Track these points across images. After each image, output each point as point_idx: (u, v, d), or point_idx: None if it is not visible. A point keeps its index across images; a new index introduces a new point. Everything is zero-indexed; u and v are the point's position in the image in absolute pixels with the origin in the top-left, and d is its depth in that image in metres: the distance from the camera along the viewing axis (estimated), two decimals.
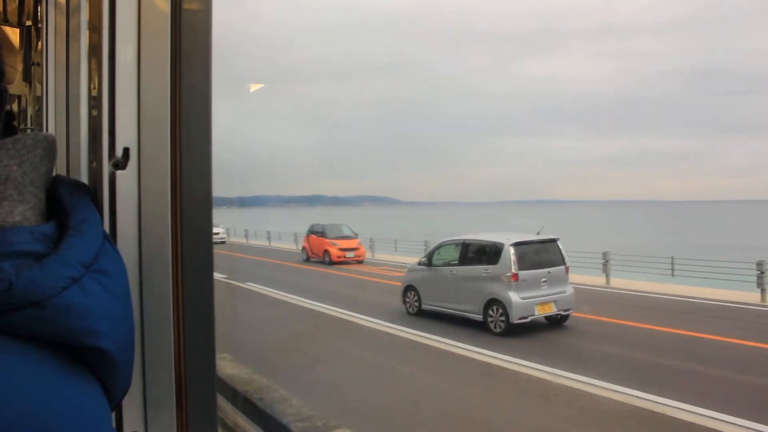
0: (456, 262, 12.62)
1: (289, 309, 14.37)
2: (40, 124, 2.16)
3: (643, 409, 7.15)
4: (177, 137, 0.89)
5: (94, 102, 0.94)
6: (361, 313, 12.87)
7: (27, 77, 3.05)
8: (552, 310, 11.26)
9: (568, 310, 11.48)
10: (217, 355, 1.02)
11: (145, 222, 0.89)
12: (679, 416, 6.89)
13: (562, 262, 11.71)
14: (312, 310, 14.06)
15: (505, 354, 9.51)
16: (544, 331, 11.30)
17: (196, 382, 0.94)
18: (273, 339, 11.50)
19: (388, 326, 11.89)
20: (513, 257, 11.18)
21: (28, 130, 3.02)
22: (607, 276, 17.48)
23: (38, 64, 2.53)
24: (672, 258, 17.96)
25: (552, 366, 8.81)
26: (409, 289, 13.18)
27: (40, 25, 2.22)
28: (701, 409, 6.97)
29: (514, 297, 10.91)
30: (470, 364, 9.34)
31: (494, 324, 11.11)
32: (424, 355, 10.07)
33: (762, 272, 14.00)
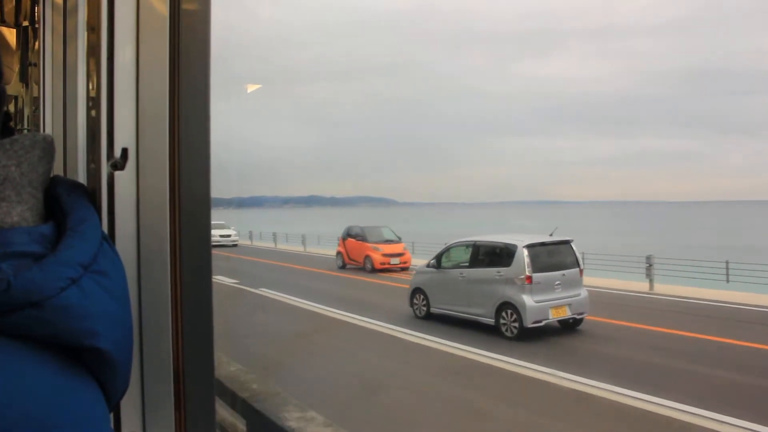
0: (466, 264, 12.23)
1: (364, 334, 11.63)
2: (38, 125, 2.15)
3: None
4: (175, 138, 0.89)
5: (93, 102, 0.94)
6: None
7: (24, 78, 3.04)
8: (566, 313, 10.85)
9: (582, 313, 11.10)
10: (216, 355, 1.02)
11: (143, 222, 0.89)
12: None
13: (576, 264, 11.35)
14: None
15: (529, 362, 8.97)
16: (559, 335, 10.90)
17: (195, 383, 0.94)
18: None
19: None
20: (526, 259, 10.80)
21: (25, 131, 3.01)
22: (651, 281, 16.00)
23: (35, 65, 2.52)
24: (727, 262, 16.68)
25: (588, 377, 8.19)
26: (417, 292, 12.79)
27: (37, 26, 2.21)
28: None
29: (528, 300, 10.52)
30: (506, 377, 8.59)
31: (507, 328, 10.71)
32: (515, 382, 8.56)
33: None
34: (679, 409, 6.98)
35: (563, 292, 10.90)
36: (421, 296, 12.67)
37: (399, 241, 22.40)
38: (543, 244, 11.45)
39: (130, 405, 0.90)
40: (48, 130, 1.44)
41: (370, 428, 6.73)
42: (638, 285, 16.05)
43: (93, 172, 0.92)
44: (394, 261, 21.11)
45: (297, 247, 32.69)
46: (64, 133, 1.10)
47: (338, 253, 23.01)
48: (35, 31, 2.52)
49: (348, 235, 22.74)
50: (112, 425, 0.85)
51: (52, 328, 0.52)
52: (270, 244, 35.58)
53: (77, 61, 1.01)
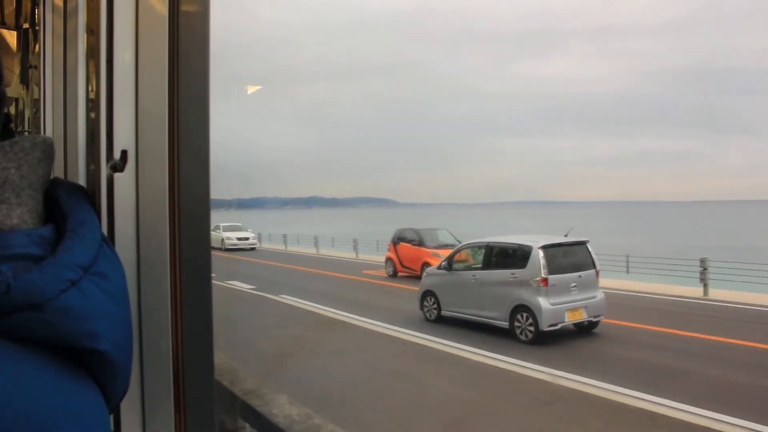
0: (479, 266, 11.84)
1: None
2: (38, 127, 2.16)
3: None
4: (175, 139, 0.89)
5: (92, 104, 0.95)
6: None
7: (24, 80, 3.05)
8: (582, 316, 10.52)
9: (598, 316, 10.77)
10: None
11: (143, 224, 0.89)
12: None
13: (593, 265, 10.99)
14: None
15: (555, 369, 8.54)
16: (577, 339, 10.54)
17: (195, 384, 0.94)
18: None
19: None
20: (542, 260, 10.44)
21: (26, 133, 3.01)
22: (706, 286, 14.86)
23: (35, 67, 2.52)
24: None
25: (619, 384, 7.72)
26: (427, 294, 12.43)
27: (37, 28, 2.22)
28: None
29: (544, 303, 10.19)
30: (531, 384, 8.07)
31: (522, 331, 10.38)
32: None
33: None
34: None
35: (579, 295, 10.58)
36: (432, 299, 12.34)
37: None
38: (558, 245, 11.09)
39: (130, 406, 0.90)
40: (48, 132, 1.44)
41: None
42: (687, 290, 15.01)
43: (93, 174, 0.92)
44: None
45: (308, 249, 31.17)
46: (65, 135, 1.10)
47: (388, 259, 20.29)
48: (35, 33, 2.52)
49: (400, 239, 20.18)
50: (112, 427, 0.85)
51: (52, 329, 0.52)
52: (279, 246, 33.88)
53: (77, 63, 1.01)
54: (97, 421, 0.55)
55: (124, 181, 0.89)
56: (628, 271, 18.58)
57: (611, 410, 7.07)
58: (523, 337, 10.36)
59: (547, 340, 10.20)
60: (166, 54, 0.89)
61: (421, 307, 12.58)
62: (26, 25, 2.74)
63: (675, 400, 7.12)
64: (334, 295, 15.81)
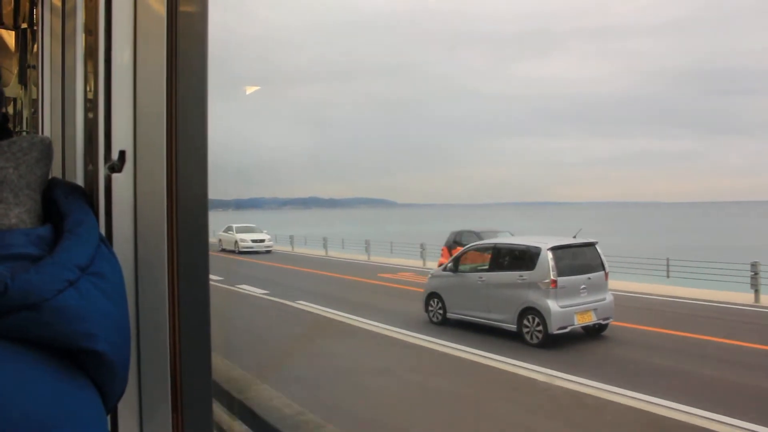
0: (486, 267, 11.64)
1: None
2: (36, 127, 2.15)
3: None
4: (173, 140, 0.89)
5: (90, 105, 0.95)
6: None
7: (22, 80, 3.04)
8: (591, 319, 10.37)
9: (607, 319, 10.62)
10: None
11: (140, 225, 0.89)
12: None
13: (602, 267, 10.84)
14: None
15: (569, 373, 8.31)
16: (588, 342, 10.38)
17: (192, 385, 0.94)
18: None
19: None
20: (551, 262, 10.28)
21: (24, 133, 3.01)
22: (757, 292, 13.90)
23: (34, 67, 2.52)
24: None
25: (637, 390, 7.44)
26: (432, 296, 12.25)
27: (35, 28, 2.22)
28: None
29: (553, 305, 10.02)
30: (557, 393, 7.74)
31: (530, 334, 10.20)
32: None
33: None
34: None
35: (588, 297, 10.41)
36: (437, 301, 12.13)
37: None
38: (568, 246, 10.91)
39: (127, 407, 0.89)
40: (47, 132, 1.44)
41: None
42: (736, 296, 14.02)
43: (90, 175, 0.92)
44: None
45: (316, 251, 29.59)
46: (63, 135, 1.10)
47: (442, 264, 18.00)
48: (34, 33, 2.52)
49: (456, 242, 17.61)
50: (109, 427, 0.85)
51: (49, 330, 0.52)
52: (285, 248, 31.98)
53: (75, 63, 1.01)
54: (94, 421, 0.55)
55: (122, 181, 0.89)
56: (668, 276, 17.40)
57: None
58: (531, 340, 10.20)
59: (557, 344, 10.01)
60: (165, 54, 0.89)
61: (426, 309, 12.39)
62: (24, 25, 2.74)
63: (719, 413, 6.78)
64: (353, 300, 14.90)
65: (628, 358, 9.58)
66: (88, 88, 0.96)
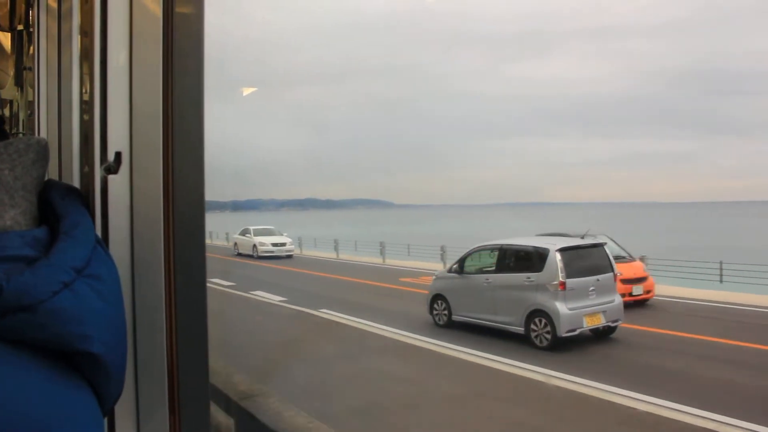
0: (492, 269, 11.46)
1: None
2: (32, 129, 2.15)
3: None
4: (169, 141, 0.89)
5: (86, 106, 0.94)
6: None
7: (19, 82, 3.04)
8: (600, 321, 10.21)
9: (616, 321, 10.48)
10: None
11: (137, 226, 0.89)
12: None
13: (610, 268, 10.69)
14: None
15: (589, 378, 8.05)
16: (598, 345, 10.18)
17: (190, 387, 0.94)
18: None
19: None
20: (560, 264, 10.11)
21: (20, 135, 3.00)
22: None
23: (30, 69, 2.52)
24: None
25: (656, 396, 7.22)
26: (437, 298, 12.07)
27: (31, 30, 2.21)
28: None
29: (562, 308, 9.86)
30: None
31: (538, 337, 10.06)
32: None
33: None
34: None
35: (597, 299, 10.26)
36: (442, 303, 11.95)
37: (631, 258, 14.00)
38: (576, 247, 10.81)
39: (124, 409, 0.89)
40: (43, 134, 1.44)
41: None
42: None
43: (86, 176, 0.92)
44: (637, 290, 12.97)
45: (326, 254, 27.67)
46: (59, 136, 1.10)
47: None
48: (30, 35, 2.51)
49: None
50: (106, 429, 0.85)
51: (44, 332, 0.52)
52: (294, 250, 29.33)
53: (72, 64, 1.01)
54: (90, 423, 0.55)
55: (118, 182, 0.88)
56: (721, 281, 16.37)
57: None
58: (539, 343, 10.05)
59: (566, 347, 9.85)
60: (161, 55, 0.89)
61: (431, 311, 12.22)
62: (20, 27, 2.73)
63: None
64: (387, 309, 13.54)
65: (649, 362, 9.38)
66: (84, 90, 0.96)
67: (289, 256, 26.00)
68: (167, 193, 0.89)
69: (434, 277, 12.93)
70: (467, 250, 12.42)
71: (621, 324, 10.58)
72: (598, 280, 10.40)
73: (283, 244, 26.35)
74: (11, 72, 3.05)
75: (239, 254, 26.47)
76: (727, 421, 6.54)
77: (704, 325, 11.36)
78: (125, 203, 0.89)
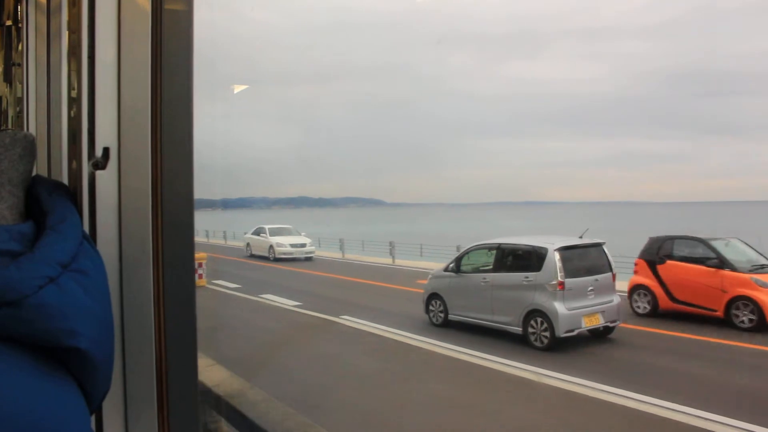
0: (489, 268, 11.32)
1: None
2: (21, 126, 2.13)
3: None
4: (158, 138, 0.89)
5: (74, 102, 0.94)
6: None
7: (7, 78, 3.01)
8: (599, 321, 10.12)
9: (614, 321, 10.40)
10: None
11: (125, 222, 0.89)
12: None
13: (609, 268, 10.62)
14: None
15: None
16: (597, 345, 10.08)
17: (178, 384, 0.94)
18: None
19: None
20: (558, 263, 10.01)
21: (7, 130, 2.97)
22: None
23: (19, 65, 2.50)
24: None
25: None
26: (432, 297, 11.97)
27: (20, 25, 2.19)
28: None
29: (560, 308, 9.79)
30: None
31: (536, 338, 9.98)
32: None
33: None
34: None
35: (596, 299, 10.17)
36: (438, 302, 11.87)
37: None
38: (575, 246, 10.62)
39: (112, 406, 0.89)
40: (31, 130, 1.43)
41: None
42: None
43: (74, 172, 0.91)
44: None
45: (331, 253, 26.06)
46: (48, 132, 1.09)
47: (638, 287, 12.34)
48: (18, 30, 2.49)
49: (666, 255, 12.23)
50: (93, 427, 0.85)
51: (29, 327, 0.51)
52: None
53: (60, 60, 1.01)
54: (77, 420, 0.54)
55: (106, 178, 0.88)
56: None
57: None
58: (537, 344, 9.99)
59: (564, 347, 9.77)
60: (149, 52, 0.89)
61: (427, 311, 12.12)
62: (9, 22, 2.71)
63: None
64: (409, 315, 12.47)
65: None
66: (72, 86, 0.96)
67: (309, 258, 23.73)
68: (156, 189, 0.89)
69: (430, 275, 12.79)
70: (463, 249, 12.31)
71: (619, 324, 10.54)
72: (596, 280, 10.33)
73: (303, 245, 24.06)
74: (0, 68, 3.02)
75: (252, 255, 24.64)
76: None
77: None
78: (113, 199, 0.88)
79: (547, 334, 9.90)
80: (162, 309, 0.90)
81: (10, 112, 3.30)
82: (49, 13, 1.14)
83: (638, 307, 12.33)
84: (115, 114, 0.89)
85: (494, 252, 11.52)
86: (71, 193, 0.70)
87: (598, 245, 10.94)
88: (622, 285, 11.78)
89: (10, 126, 3.28)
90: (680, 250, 12.29)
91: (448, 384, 8.44)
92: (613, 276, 10.74)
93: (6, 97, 3.36)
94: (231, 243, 32.63)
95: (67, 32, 0.97)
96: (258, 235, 24.92)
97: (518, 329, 10.34)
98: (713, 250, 11.60)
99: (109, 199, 0.88)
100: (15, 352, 0.51)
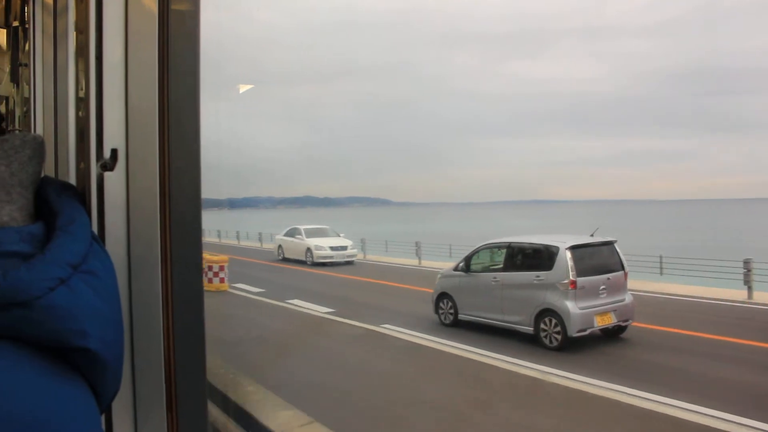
0: (500, 267, 11.20)
1: None
2: (28, 126, 2.14)
3: None
4: (165, 138, 0.89)
5: (82, 103, 0.94)
6: None
7: (15, 78, 3.03)
8: (611, 321, 9.99)
9: (627, 320, 10.25)
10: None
11: (133, 223, 0.89)
12: None
13: (621, 267, 10.45)
14: None
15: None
16: (607, 344, 9.91)
17: (187, 384, 0.94)
18: None
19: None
20: (570, 262, 9.86)
21: (17, 132, 2.98)
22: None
23: (26, 65, 2.51)
24: None
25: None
26: (442, 297, 11.84)
27: (27, 26, 2.20)
28: None
29: (572, 307, 9.63)
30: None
31: (548, 337, 9.83)
32: None
33: None
34: None
35: (608, 298, 10.04)
36: (448, 302, 11.71)
37: None
38: (586, 245, 10.46)
39: (121, 406, 0.89)
40: (39, 131, 1.43)
41: None
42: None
43: (83, 173, 0.92)
44: None
45: (382, 256, 23.95)
46: (55, 133, 1.10)
47: None
48: (26, 31, 2.50)
49: None
50: (103, 426, 0.85)
51: (40, 328, 0.52)
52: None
53: (67, 61, 1.01)
54: (87, 420, 0.54)
55: (114, 179, 0.88)
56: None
57: None
58: (549, 344, 9.85)
59: (577, 347, 9.62)
60: (156, 52, 0.89)
61: (436, 310, 12.01)
62: (16, 23, 2.72)
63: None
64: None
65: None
66: (79, 87, 0.96)
67: (350, 263, 21.32)
68: (163, 189, 0.89)
69: (439, 275, 12.65)
70: (473, 248, 12.12)
71: (632, 323, 10.41)
72: (608, 278, 10.20)
73: (344, 248, 21.58)
74: (7, 69, 3.03)
75: (284, 259, 22.48)
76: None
77: None
78: (121, 200, 0.89)
79: (559, 333, 9.78)
80: (170, 309, 0.90)
81: (17, 112, 3.32)
82: (56, 13, 1.15)
83: None
84: (122, 114, 0.89)
85: (504, 251, 11.37)
86: (80, 194, 0.71)
87: (610, 243, 10.81)
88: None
89: (17, 126, 3.30)
90: None
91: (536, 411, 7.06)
92: (625, 274, 10.61)
93: (13, 97, 3.38)
94: (244, 243, 31.92)
95: (74, 33, 0.98)
96: (292, 236, 22.76)
97: (529, 329, 10.22)
98: None
99: (117, 200, 0.88)
100: (26, 353, 0.51)
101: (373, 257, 23.62)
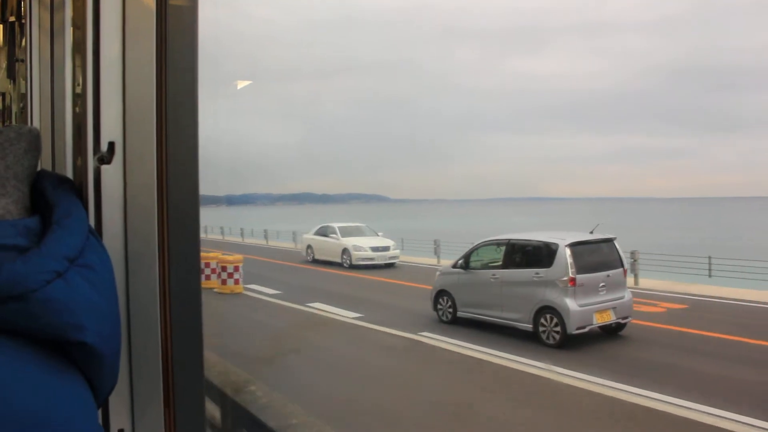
0: (499, 264, 11.20)
1: None
2: (25, 121, 2.14)
3: None
4: (163, 133, 0.89)
5: (79, 98, 0.94)
6: None
7: (11, 74, 3.02)
8: (610, 318, 10.02)
9: (626, 318, 10.29)
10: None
11: (131, 217, 0.89)
12: None
13: (620, 264, 10.51)
14: None
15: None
16: (606, 342, 9.92)
17: (184, 379, 0.94)
18: None
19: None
20: (569, 259, 9.87)
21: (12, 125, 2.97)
22: None
23: (22, 61, 2.50)
24: None
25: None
26: (441, 294, 11.84)
27: (23, 21, 2.19)
28: None
29: (572, 304, 9.64)
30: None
31: (547, 334, 9.82)
32: None
33: None
34: None
35: (607, 295, 10.07)
36: (447, 299, 11.70)
37: None
38: (586, 242, 10.48)
39: (118, 401, 0.89)
40: (36, 126, 1.43)
41: None
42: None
43: (79, 167, 0.92)
44: None
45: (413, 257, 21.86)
46: (52, 128, 1.09)
47: None
48: (22, 26, 2.49)
49: None
50: (100, 421, 0.85)
51: (37, 321, 0.52)
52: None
53: (64, 56, 1.01)
54: (83, 413, 0.55)
55: (111, 173, 0.88)
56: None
57: None
58: (548, 341, 9.85)
59: (576, 344, 9.59)
60: (154, 48, 0.89)
61: (435, 307, 11.99)
62: (12, 19, 2.71)
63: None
64: (502, 330, 10.66)
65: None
66: (76, 82, 0.96)
67: (390, 265, 19.06)
68: (161, 184, 0.89)
69: (438, 272, 12.63)
70: (472, 245, 12.09)
71: (631, 321, 10.42)
72: (608, 275, 10.21)
73: (386, 248, 19.26)
74: (3, 64, 3.02)
75: (314, 260, 20.31)
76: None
77: None
78: (119, 194, 0.88)
79: (558, 331, 9.77)
80: (168, 303, 0.91)
81: (14, 108, 3.31)
82: (53, 9, 1.14)
83: None
84: (120, 109, 0.89)
85: (503, 248, 11.34)
86: (76, 188, 0.70)
87: (609, 240, 10.82)
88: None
89: (14, 121, 3.29)
90: None
91: None
92: (624, 271, 10.65)
93: (9, 93, 3.36)
94: (248, 241, 31.20)
95: (71, 28, 0.97)
96: (324, 236, 20.33)
97: (529, 326, 10.21)
98: None
99: (114, 193, 0.88)
100: (22, 347, 0.51)
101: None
